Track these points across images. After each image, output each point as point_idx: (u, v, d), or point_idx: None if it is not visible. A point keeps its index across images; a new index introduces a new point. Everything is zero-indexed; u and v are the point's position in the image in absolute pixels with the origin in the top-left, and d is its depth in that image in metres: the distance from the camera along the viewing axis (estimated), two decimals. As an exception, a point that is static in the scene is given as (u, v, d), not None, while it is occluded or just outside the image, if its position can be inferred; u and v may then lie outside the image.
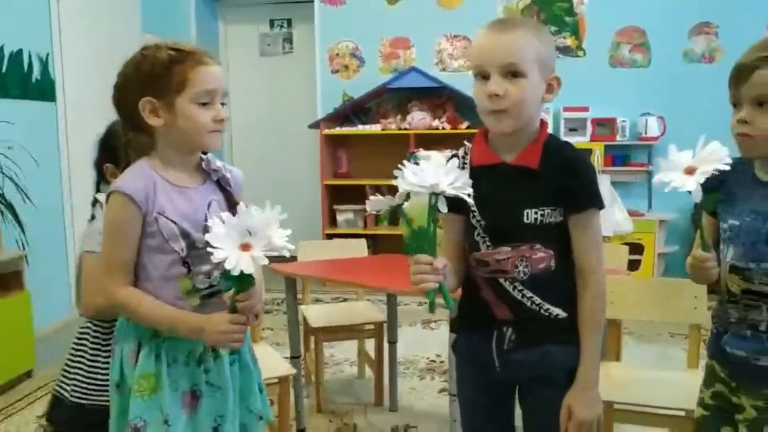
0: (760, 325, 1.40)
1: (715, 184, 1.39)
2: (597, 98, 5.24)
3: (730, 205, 1.43)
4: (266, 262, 1.31)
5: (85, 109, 4.38)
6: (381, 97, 5.50)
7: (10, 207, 3.36)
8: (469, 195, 1.28)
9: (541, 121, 1.48)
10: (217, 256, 1.29)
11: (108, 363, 1.66)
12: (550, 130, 4.74)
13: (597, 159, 4.97)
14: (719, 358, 1.51)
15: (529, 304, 1.44)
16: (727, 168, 1.25)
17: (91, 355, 1.78)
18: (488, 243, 1.45)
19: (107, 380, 1.62)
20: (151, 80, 1.41)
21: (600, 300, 1.45)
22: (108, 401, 1.57)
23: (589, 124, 5.22)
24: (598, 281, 1.45)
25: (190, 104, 1.42)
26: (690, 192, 1.26)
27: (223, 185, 1.54)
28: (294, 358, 2.59)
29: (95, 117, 4.81)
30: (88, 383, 1.77)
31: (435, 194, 1.26)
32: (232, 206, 1.53)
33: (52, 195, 4.12)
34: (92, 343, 1.79)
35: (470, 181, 1.28)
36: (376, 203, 1.42)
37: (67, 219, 4.28)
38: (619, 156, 5.17)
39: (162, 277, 1.44)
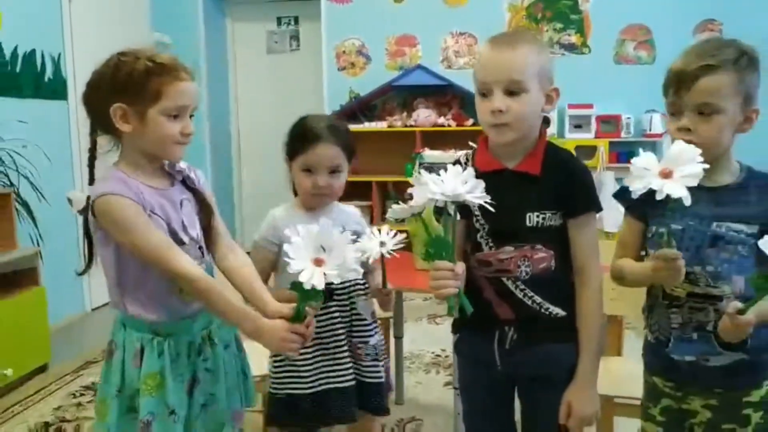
0: (707, 325, 1.41)
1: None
2: (602, 95, 5.28)
3: (670, 209, 1.41)
4: (338, 280, 1.34)
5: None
6: (387, 94, 5.53)
7: (25, 205, 3.43)
8: (487, 203, 1.32)
9: (541, 130, 1.53)
10: (292, 267, 1.31)
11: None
12: (554, 127, 4.81)
13: (601, 156, 5.01)
14: (662, 371, 1.51)
15: (530, 303, 1.49)
16: (707, 166, 1.22)
17: None
18: (491, 244, 1.51)
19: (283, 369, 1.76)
20: (126, 87, 1.44)
21: (597, 299, 1.51)
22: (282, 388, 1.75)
23: (593, 120, 5.25)
24: (596, 281, 1.50)
25: (161, 116, 1.45)
26: (682, 198, 1.21)
27: (189, 185, 1.59)
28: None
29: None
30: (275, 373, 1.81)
31: (455, 203, 1.31)
32: (201, 205, 1.59)
33: (65, 192, 4.17)
34: None
35: (482, 185, 1.33)
36: (398, 211, 1.47)
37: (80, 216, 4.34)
38: (623, 153, 5.19)
39: (160, 275, 1.49)
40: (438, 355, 3.52)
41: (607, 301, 1.59)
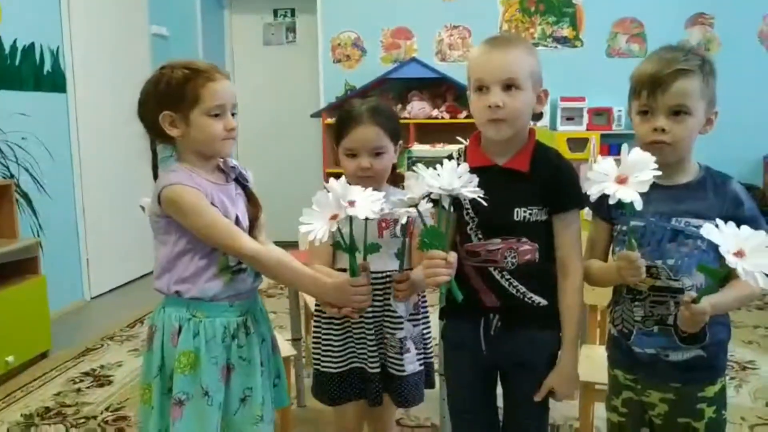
0: (667, 319, 1.49)
1: None
2: (594, 88, 5.34)
3: (626, 211, 1.48)
4: (334, 228, 1.46)
5: (94, 99, 4.50)
6: (382, 86, 5.58)
7: (26, 196, 3.49)
8: (480, 197, 1.41)
9: (530, 129, 1.61)
10: (300, 229, 1.47)
11: (329, 329, 1.81)
12: (547, 119, 4.87)
13: (593, 148, 5.07)
14: (623, 364, 1.59)
15: (514, 292, 1.57)
16: (660, 173, 1.31)
17: (325, 323, 1.84)
18: (480, 236, 1.58)
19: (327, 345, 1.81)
20: (168, 96, 1.57)
21: (578, 291, 1.59)
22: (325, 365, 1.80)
23: (585, 113, 5.32)
24: (577, 273, 1.58)
25: (203, 116, 1.57)
26: (632, 202, 1.29)
27: (241, 182, 1.71)
28: (295, 341, 2.71)
29: (104, 107, 4.92)
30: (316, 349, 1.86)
31: (450, 196, 1.39)
32: (251, 201, 1.71)
33: (64, 183, 4.24)
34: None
35: (476, 181, 1.42)
36: (395, 203, 1.54)
37: (78, 206, 4.40)
38: (614, 145, 5.25)
39: (207, 257, 1.60)
40: (429, 344, 3.60)
41: (588, 291, 1.68)
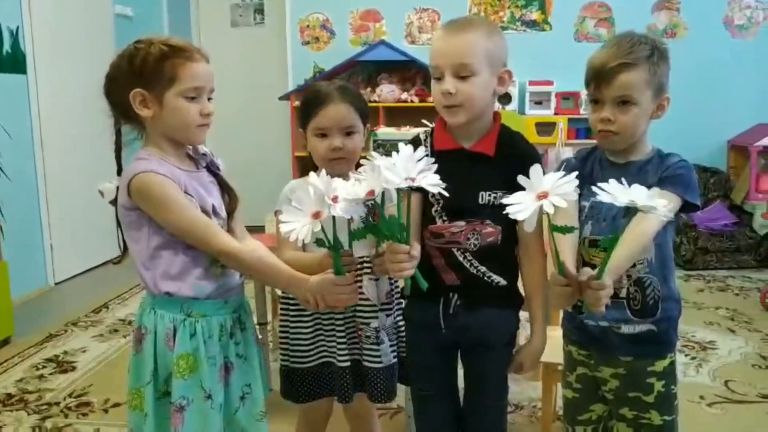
0: (620, 292, 1.52)
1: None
2: (562, 72, 5.34)
3: (591, 185, 1.47)
4: (318, 228, 1.36)
5: (56, 80, 4.40)
6: (351, 69, 5.55)
7: (-15, 180, 3.42)
8: (440, 186, 1.33)
9: (495, 112, 1.62)
10: (281, 228, 1.38)
11: (298, 322, 1.74)
12: (515, 103, 4.89)
13: (561, 132, 5.10)
14: (577, 339, 1.64)
15: (475, 271, 1.59)
16: (564, 204, 1.18)
17: (293, 317, 1.77)
18: (444, 218, 1.59)
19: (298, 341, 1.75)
20: (142, 73, 1.45)
21: (543, 272, 1.62)
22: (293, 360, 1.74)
23: (553, 97, 5.34)
24: (541, 256, 1.62)
25: (179, 98, 1.47)
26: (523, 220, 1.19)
27: (212, 169, 1.62)
28: (261, 325, 2.71)
29: (66, 88, 4.80)
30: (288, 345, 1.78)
31: (410, 188, 1.32)
32: (223, 189, 1.62)
33: (26, 166, 4.16)
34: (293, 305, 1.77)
35: (434, 168, 1.36)
36: (351, 201, 1.47)
37: (41, 189, 4.31)
38: (582, 129, 5.29)
39: (192, 251, 1.50)
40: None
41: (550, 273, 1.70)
